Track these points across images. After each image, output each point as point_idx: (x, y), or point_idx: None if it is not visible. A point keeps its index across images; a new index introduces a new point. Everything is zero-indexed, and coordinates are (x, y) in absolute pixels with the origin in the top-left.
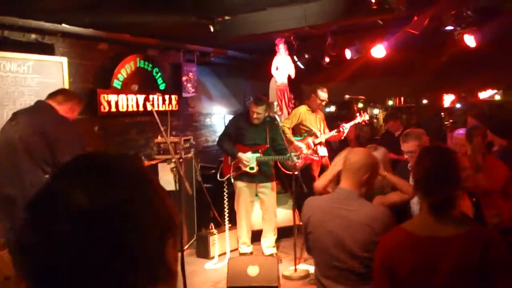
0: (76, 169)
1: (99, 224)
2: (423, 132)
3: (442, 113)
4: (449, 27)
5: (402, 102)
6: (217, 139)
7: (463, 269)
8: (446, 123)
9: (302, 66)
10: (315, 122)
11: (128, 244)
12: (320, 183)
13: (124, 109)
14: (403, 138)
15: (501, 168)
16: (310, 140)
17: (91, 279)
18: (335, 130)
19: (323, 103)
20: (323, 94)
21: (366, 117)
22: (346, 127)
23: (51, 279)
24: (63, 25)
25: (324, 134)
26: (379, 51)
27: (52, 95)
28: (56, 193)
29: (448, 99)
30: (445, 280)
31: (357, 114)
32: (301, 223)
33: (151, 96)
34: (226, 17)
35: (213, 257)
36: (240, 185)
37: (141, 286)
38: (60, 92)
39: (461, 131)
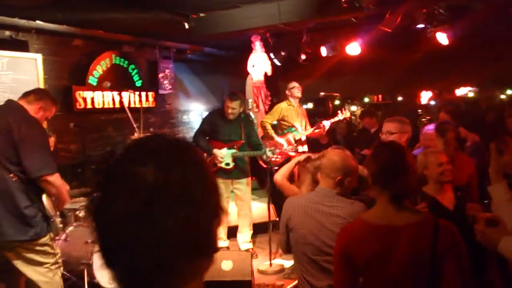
0: (147, 148)
1: (166, 199)
2: (408, 121)
3: (420, 110)
4: (421, 25)
5: (380, 99)
6: None
7: (415, 257)
8: (423, 120)
9: (278, 63)
10: (296, 117)
11: (186, 222)
12: (278, 174)
13: (100, 106)
14: (386, 120)
15: (468, 164)
16: (290, 136)
17: (152, 249)
18: (315, 127)
19: (299, 90)
20: (294, 83)
21: (347, 114)
22: (326, 124)
23: (120, 249)
24: (37, 21)
25: (306, 130)
26: (354, 48)
27: (24, 95)
28: (125, 168)
29: (425, 96)
30: (399, 268)
31: (339, 112)
32: (277, 218)
33: (125, 93)
34: (201, 14)
35: None
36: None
37: (191, 259)
38: (32, 92)
39: (431, 127)
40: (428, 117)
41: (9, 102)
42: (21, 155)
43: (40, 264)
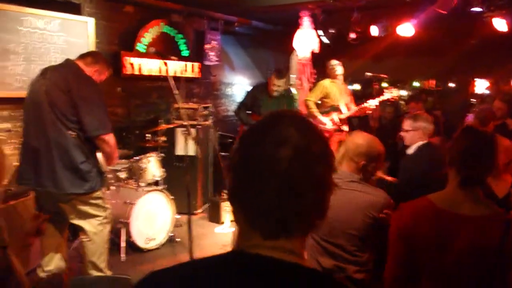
0: (286, 116)
1: (309, 157)
2: (425, 118)
3: (473, 100)
4: (477, 9)
5: (432, 85)
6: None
7: (479, 250)
8: (475, 109)
9: (326, 41)
10: (339, 94)
11: (321, 179)
12: None
13: (146, 73)
14: (405, 118)
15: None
16: (334, 115)
17: (292, 201)
18: (360, 106)
19: (337, 68)
20: (333, 61)
21: (394, 93)
22: (371, 103)
23: (258, 189)
24: None
25: (349, 109)
26: (406, 29)
27: (81, 56)
28: (272, 128)
29: (480, 85)
30: (458, 257)
31: (386, 90)
32: None
33: (171, 62)
34: None
35: (223, 223)
36: None
37: (317, 214)
38: (89, 54)
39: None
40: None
41: (68, 61)
42: (80, 113)
43: (93, 216)
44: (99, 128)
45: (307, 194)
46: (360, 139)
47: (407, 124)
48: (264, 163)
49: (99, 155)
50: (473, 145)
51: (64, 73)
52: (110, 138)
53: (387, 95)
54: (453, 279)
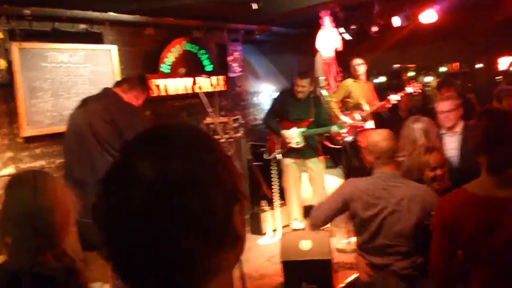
0: (144, 141)
1: (167, 194)
2: (456, 96)
3: (499, 77)
4: None
5: (457, 68)
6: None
7: None
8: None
9: (349, 37)
10: (362, 93)
11: (195, 213)
12: None
13: (173, 93)
14: (440, 100)
15: None
16: (357, 114)
17: (160, 247)
18: (382, 103)
19: (359, 68)
20: (355, 60)
21: (417, 87)
22: (393, 98)
23: (123, 249)
24: (110, 13)
25: (371, 106)
26: (429, 16)
27: (117, 84)
28: (126, 165)
29: (504, 62)
30: (507, 242)
31: (408, 84)
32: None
33: (198, 79)
34: None
35: (265, 233)
36: (287, 161)
37: (211, 251)
38: (125, 81)
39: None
40: (507, 84)
41: (106, 90)
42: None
43: None
44: None
45: (178, 245)
46: (384, 139)
47: (448, 104)
48: (116, 219)
49: None
50: (494, 129)
51: (105, 103)
52: None
53: (408, 90)
54: (503, 263)
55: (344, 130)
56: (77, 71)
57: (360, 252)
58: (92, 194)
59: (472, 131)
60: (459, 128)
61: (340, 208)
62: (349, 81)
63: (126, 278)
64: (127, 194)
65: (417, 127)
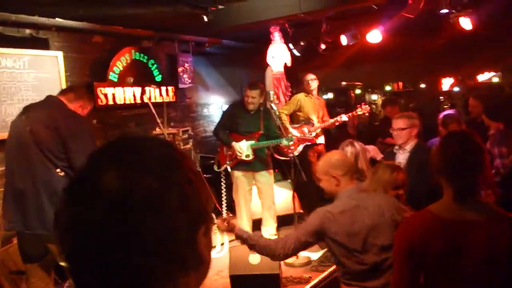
0: (108, 154)
1: (130, 212)
2: (416, 115)
3: (442, 97)
4: (445, 10)
5: (401, 87)
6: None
7: (493, 255)
8: (445, 106)
9: (298, 54)
10: (313, 108)
11: (157, 235)
12: None
13: (122, 102)
14: (395, 117)
15: None
16: (306, 128)
17: (119, 265)
18: (333, 120)
19: (312, 83)
20: (309, 75)
21: (366, 109)
22: (344, 118)
23: (83, 262)
24: (57, 19)
25: (322, 122)
26: (375, 36)
27: (63, 92)
28: (88, 177)
29: (446, 83)
30: (475, 265)
31: (358, 106)
32: (301, 210)
33: (147, 88)
34: (220, 6)
35: (214, 247)
36: (237, 174)
37: (170, 274)
38: (71, 90)
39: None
40: (449, 104)
41: (51, 98)
42: (68, 151)
43: None
44: None
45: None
46: (337, 155)
47: (401, 122)
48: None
49: None
50: (458, 153)
51: (49, 110)
52: None
53: (359, 111)
54: (471, 286)
55: (291, 143)
56: (21, 77)
57: (349, 282)
58: (32, 203)
59: (433, 153)
60: (409, 146)
61: (313, 241)
62: (300, 95)
63: None
64: (90, 206)
65: (349, 150)
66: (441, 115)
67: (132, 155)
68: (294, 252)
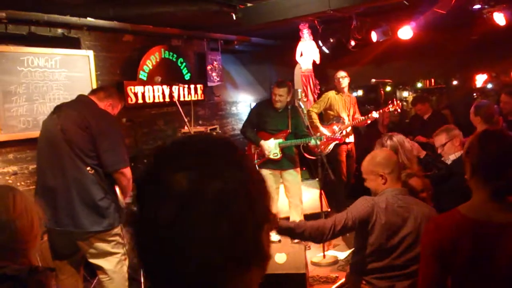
0: (179, 153)
1: (199, 212)
2: (453, 127)
3: (475, 94)
4: (477, 6)
5: (433, 84)
6: None
7: None
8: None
9: (327, 51)
10: (344, 106)
11: (225, 234)
12: None
13: (151, 100)
14: (434, 135)
15: None
16: (336, 127)
17: (187, 263)
18: (364, 117)
19: (343, 80)
20: (340, 73)
21: (398, 106)
22: (375, 115)
23: (152, 258)
24: (88, 18)
25: (353, 120)
26: (406, 32)
27: (93, 91)
28: (158, 175)
29: (480, 80)
30: (500, 269)
31: (390, 103)
32: (329, 209)
33: (175, 87)
34: (249, 4)
35: None
36: (265, 172)
37: (236, 270)
38: (101, 89)
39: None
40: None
41: (81, 97)
42: (99, 149)
43: (111, 254)
44: (119, 162)
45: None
46: (382, 153)
47: (440, 138)
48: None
49: (117, 189)
50: (498, 153)
51: (80, 109)
52: (128, 171)
53: (391, 108)
54: None
55: (318, 142)
56: (52, 76)
57: (363, 277)
58: (63, 200)
59: (471, 152)
60: (453, 156)
61: (354, 228)
62: (331, 93)
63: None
64: (160, 205)
65: (389, 144)
66: (474, 104)
67: (200, 155)
68: (337, 236)
